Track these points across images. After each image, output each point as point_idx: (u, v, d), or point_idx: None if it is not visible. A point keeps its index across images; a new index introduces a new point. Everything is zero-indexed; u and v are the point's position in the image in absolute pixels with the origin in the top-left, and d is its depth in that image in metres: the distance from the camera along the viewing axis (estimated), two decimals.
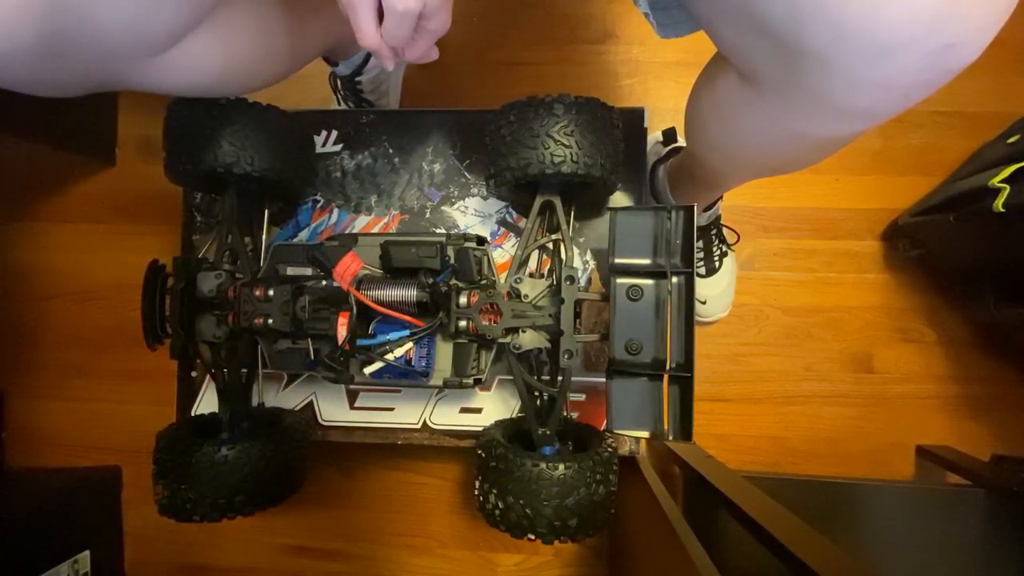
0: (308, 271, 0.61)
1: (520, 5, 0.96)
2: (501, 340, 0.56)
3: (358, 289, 0.58)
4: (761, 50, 0.39)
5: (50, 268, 1.00)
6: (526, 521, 0.52)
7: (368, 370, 0.60)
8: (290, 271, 0.62)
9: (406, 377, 0.60)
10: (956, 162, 0.87)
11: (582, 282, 0.68)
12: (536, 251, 0.63)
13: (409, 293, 0.58)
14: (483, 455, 0.56)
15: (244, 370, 0.65)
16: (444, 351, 0.60)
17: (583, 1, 0.96)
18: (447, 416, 0.70)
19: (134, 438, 0.96)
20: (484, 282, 0.59)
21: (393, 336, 0.58)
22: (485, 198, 0.71)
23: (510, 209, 0.70)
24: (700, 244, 0.85)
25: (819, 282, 0.91)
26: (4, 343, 0.99)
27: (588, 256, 0.69)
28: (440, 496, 0.93)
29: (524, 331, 0.57)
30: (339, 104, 0.88)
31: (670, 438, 0.55)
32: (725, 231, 0.86)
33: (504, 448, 0.54)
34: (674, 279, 0.55)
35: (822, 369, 0.90)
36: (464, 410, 0.70)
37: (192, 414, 0.71)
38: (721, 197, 0.79)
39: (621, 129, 0.59)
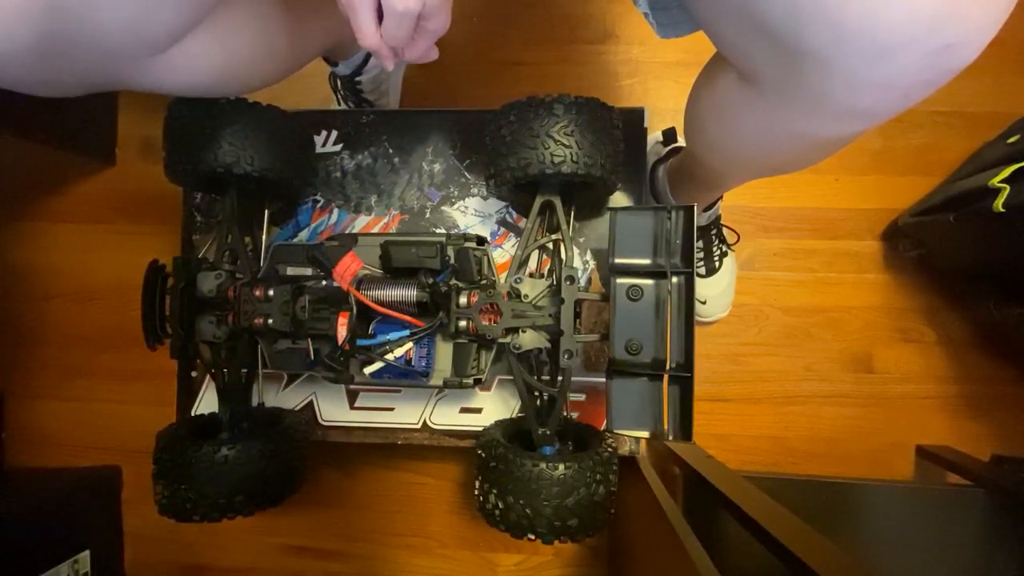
0: (308, 271, 0.61)
1: (520, 5, 0.96)
2: (501, 340, 0.56)
3: (358, 289, 0.58)
4: (761, 50, 0.39)
5: (50, 268, 1.00)
6: (526, 521, 0.52)
7: (368, 370, 0.60)
8: (290, 271, 0.62)
9: (406, 377, 0.60)
10: (956, 162, 0.87)
11: (582, 282, 0.68)
12: (536, 251, 0.63)
13: (409, 293, 0.58)
14: (483, 455, 0.56)
15: (244, 370, 0.65)
16: (444, 351, 0.60)
17: (583, 1, 0.96)
18: (447, 416, 0.70)
19: (134, 438, 0.96)
20: (484, 282, 0.59)
21: (393, 336, 0.58)
22: (485, 198, 0.71)
23: (510, 209, 0.70)
24: (700, 244, 0.85)
25: (819, 282, 0.91)
26: (4, 343, 0.99)
27: (588, 256, 0.69)
28: (440, 496, 0.93)
29: (524, 331, 0.57)
30: (339, 104, 0.88)
31: (670, 438, 0.55)
32: (725, 231, 0.86)
33: (504, 448, 0.54)
34: (674, 279, 0.55)
35: (822, 369, 0.90)
36: (464, 410, 0.70)
37: (192, 414, 0.71)
38: (721, 197, 0.79)
39: (621, 129, 0.59)
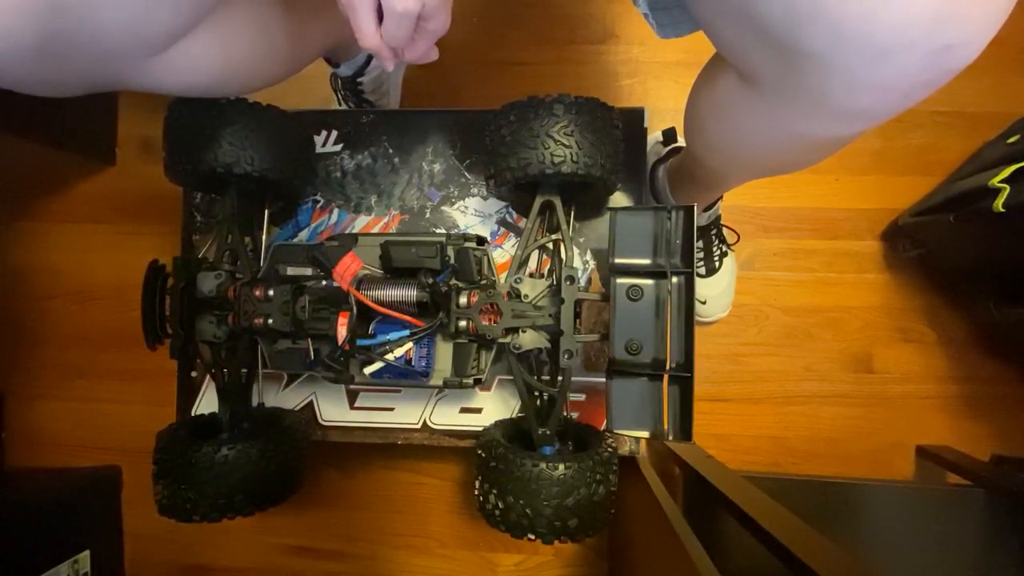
0: (308, 271, 0.61)
1: (520, 5, 0.96)
2: (501, 340, 0.56)
3: (358, 289, 0.58)
4: (760, 51, 0.39)
5: (50, 268, 1.00)
6: (526, 521, 0.52)
7: (368, 370, 0.60)
8: (290, 271, 0.62)
9: (406, 377, 0.60)
10: (956, 162, 0.87)
11: (582, 282, 0.68)
12: (536, 251, 0.63)
13: (409, 293, 0.58)
14: (483, 455, 0.56)
15: (244, 370, 0.65)
16: (444, 351, 0.60)
17: (583, 1, 0.96)
18: (447, 416, 0.70)
19: (134, 438, 0.96)
20: (484, 282, 0.59)
21: (393, 336, 0.58)
22: (485, 198, 0.71)
23: (510, 209, 0.70)
24: (700, 244, 0.85)
25: (819, 282, 0.91)
26: (4, 343, 0.99)
27: (588, 256, 0.69)
28: (440, 496, 0.93)
29: (524, 331, 0.57)
30: (340, 104, 0.88)
31: (670, 438, 0.55)
32: (725, 231, 0.86)
33: (504, 448, 0.54)
34: (674, 279, 0.55)
35: (822, 369, 0.90)
36: (464, 410, 0.70)
37: (192, 414, 0.71)
38: (721, 197, 0.79)
39: (621, 129, 0.59)
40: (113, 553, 0.95)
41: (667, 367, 0.54)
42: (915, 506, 0.77)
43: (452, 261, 0.58)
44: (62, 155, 0.96)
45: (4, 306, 0.99)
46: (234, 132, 0.57)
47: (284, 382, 0.72)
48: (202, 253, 0.71)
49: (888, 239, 0.90)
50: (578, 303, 0.56)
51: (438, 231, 0.71)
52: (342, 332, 0.56)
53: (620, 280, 0.56)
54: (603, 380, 0.61)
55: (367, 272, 0.60)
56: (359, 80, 0.81)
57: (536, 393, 0.61)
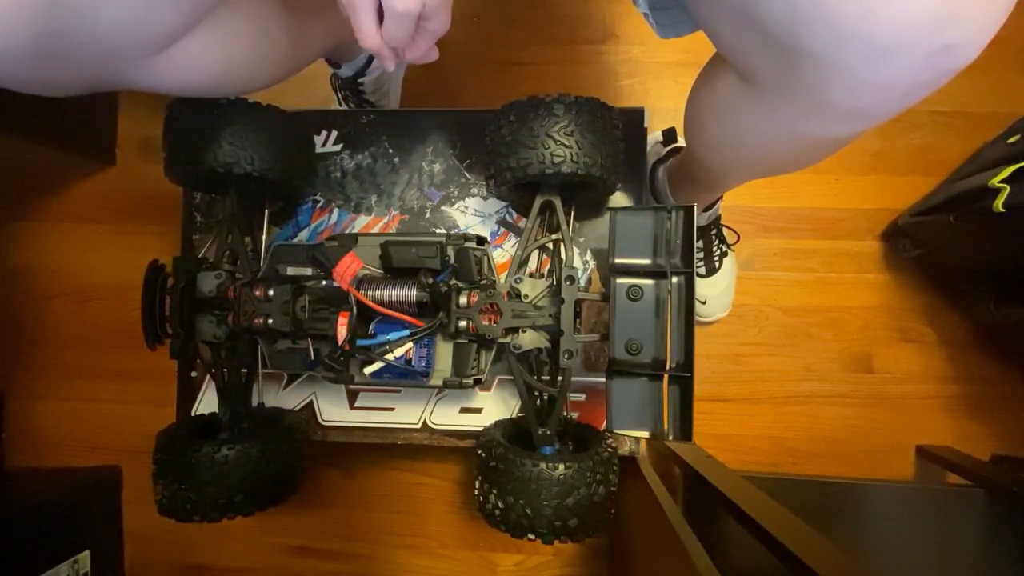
0: (308, 271, 0.61)
1: (520, 5, 0.96)
2: (501, 340, 0.56)
3: (358, 289, 0.58)
4: (760, 51, 0.39)
5: (50, 268, 1.00)
6: (526, 521, 0.52)
7: (368, 370, 0.60)
8: (290, 271, 0.62)
9: (406, 377, 0.60)
10: (956, 162, 0.87)
11: (582, 282, 0.68)
12: (536, 251, 0.63)
13: (409, 293, 0.58)
14: (483, 455, 0.56)
15: (244, 370, 0.65)
16: (444, 351, 0.60)
17: (583, 1, 0.96)
18: (447, 416, 0.70)
19: (134, 438, 0.95)
20: (484, 282, 0.59)
21: (393, 336, 0.58)
22: (485, 198, 0.71)
23: (510, 209, 0.70)
24: (700, 244, 0.85)
25: (819, 282, 0.91)
26: (4, 343, 0.99)
27: (588, 256, 0.69)
28: (440, 496, 0.93)
29: (524, 331, 0.57)
30: (340, 104, 0.88)
31: (670, 438, 0.55)
32: (725, 231, 0.86)
33: (504, 448, 0.54)
34: (674, 279, 0.55)
35: (822, 369, 0.90)
36: (464, 410, 0.70)
37: (192, 414, 0.71)
38: (721, 197, 0.79)
39: (621, 129, 0.59)
40: (113, 553, 0.95)
41: (667, 367, 0.54)
42: (915, 506, 0.77)
43: (452, 261, 0.58)
44: (62, 155, 0.97)
45: (4, 306, 0.99)
46: (234, 132, 0.57)
47: (284, 382, 0.72)
48: (202, 253, 0.71)
49: (888, 239, 0.90)
50: (578, 303, 0.56)
51: (438, 231, 0.71)
52: (342, 332, 0.56)
53: (620, 280, 0.56)
54: (603, 380, 0.61)
55: (367, 272, 0.60)
56: (360, 81, 0.81)
57: (536, 393, 0.61)
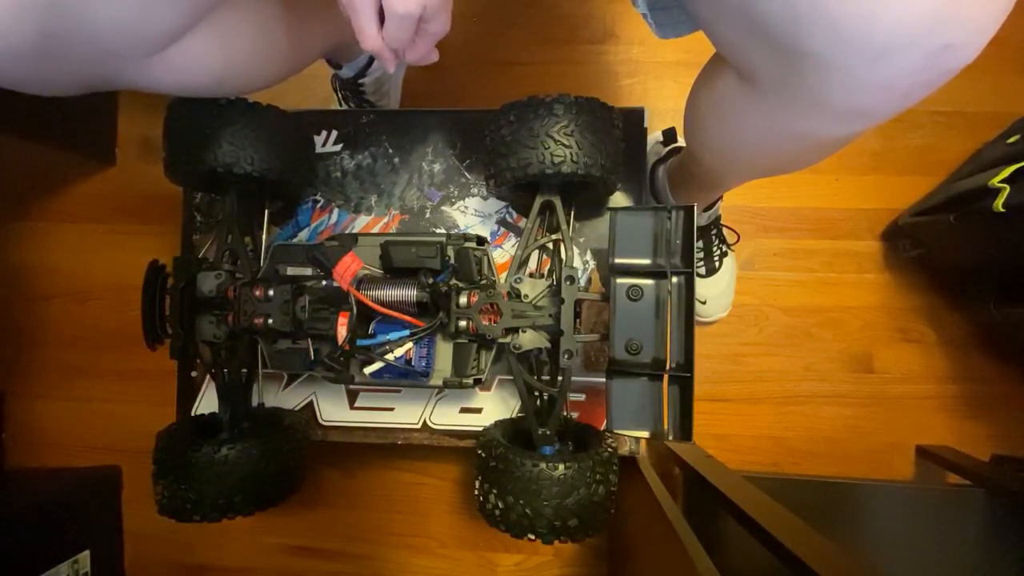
0: (308, 271, 0.61)
1: (520, 5, 0.96)
2: (501, 340, 0.56)
3: (358, 289, 0.58)
4: (760, 51, 0.39)
5: (50, 268, 1.00)
6: (526, 521, 0.52)
7: (368, 370, 0.60)
8: (290, 271, 0.62)
9: (406, 377, 0.60)
10: (956, 162, 0.87)
11: (582, 282, 0.68)
12: (536, 251, 0.63)
13: (409, 293, 0.58)
14: (483, 455, 0.56)
15: (244, 370, 0.65)
16: (444, 351, 0.60)
17: (583, 1, 0.96)
18: (447, 416, 0.70)
19: (134, 438, 0.96)
20: (484, 282, 0.59)
21: (393, 336, 0.58)
22: (485, 198, 0.71)
23: (510, 209, 0.70)
24: (700, 244, 0.85)
25: (819, 282, 0.91)
26: (4, 343, 0.99)
27: (588, 256, 0.69)
28: (440, 496, 0.93)
29: (524, 331, 0.57)
30: (340, 104, 0.88)
31: (670, 438, 0.55)
32: (725, 231, 0.86)
33: (504, 448, 0.54)
34: (674, 279, 0.55)
35: (822, 369, 0.90)
36: (464, 410, 0.70)
37: (192, 414, 0.71)
38: (721, 197, 0.79)
39: (621, 129, 0.59)
40: (113, 553, 0.95)
41: (667, 367, 0.54)
42: (915, 506, 0.77)
43: (452, 261, 0.58)
44: (62, 155, 0.97)
45: (4, 306, 0.99)
46: (234, 132, 0.57)
47: (284, 382, 0.72)
48: (202, 253, 0.71)
49: (888, 239, 0.90)
50: (578, 303, 0.56)
51: (438, 231, 0.71)
52: (342, 332, 0.56)
53: (620, 280, 0.56)
54: (603, 380, 0.61)
55: (367, 272, 0.60)
56: (361, 81, 0.81)
57: (536, 393, 0.61)
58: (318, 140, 0.73)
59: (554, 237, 0.60)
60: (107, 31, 0.39)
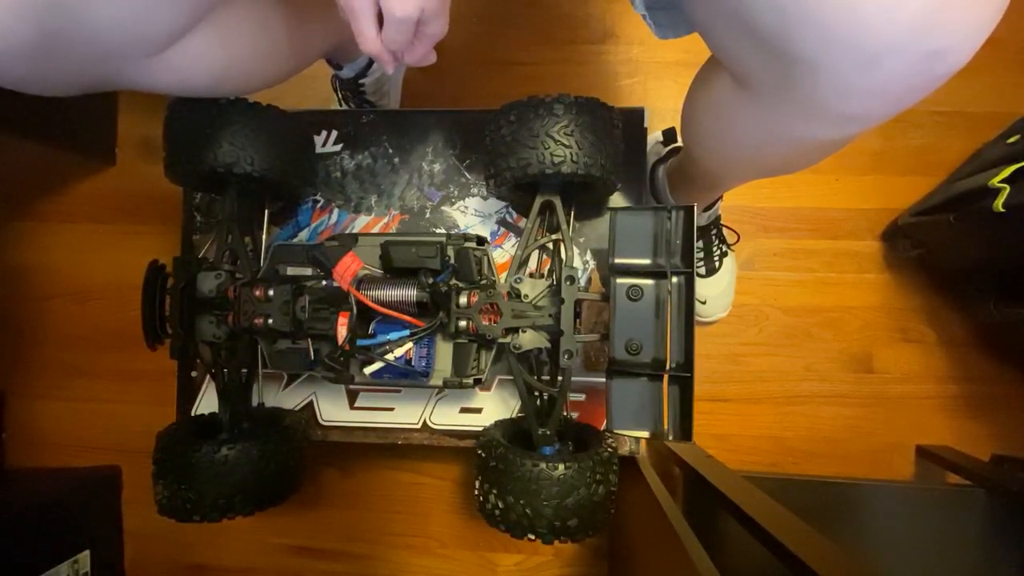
0: (308, 271, 0.61)
1: (520, 5, 0.96)
2: (501, 340, 0.56)
3: (358, 289, 0.58)
4: (753, 55, 0.39)
5: (50, 268, 1.00)
6: (526, 521, 0.52)
7: (368, 370, 0.60)
8: (290, 271, 0.62)
9: (406, 377, 0.60)
10: (956, 162, 0.87)
11: (582, 282, 0.68)
12: (536, 251, 0.63)
13: (409, 293, 0.58)
14: (483, 455, 0.56)
15: (244, 370, 0.65)
16: (444, 351, 0.60)
17: (583, 1, 0.96)
18: (447, 416, 0.70)
19: (134, 438, 0.96)
20: (484, 282, 0.59)
21: (393, 336, 0.58)
22: (485, 198, 0.71)
23: (510, 209, 0.70)
24: (700, 244, 0.85)
25: (819, 282, 0.91)
26: (4, 343, 0.99)
27: (588, 256, 0.69)
28: (440, 496, 0.93)
29: (524, 331, 0.57)
30: (340, 104, 0.88)
31: (670, 438, 0.55)
32: (725, 231, 0.86)
33: (504, 448, 0.54)
34: (674, 279, 0.55)
35: (822, 369, 0.90)
36: (464, 410, 0.70)
37: (192, 414, 0.71)
38: (721, 197, 0.79)
39: (621, 129, 0.59)
40: (113, 553, 0.95)
41: (667, 367, 0.54)
42: (915, 506, 0.77)
43: (452, 261, 0.58)
44: (62, 155, 0.96)
45: (4, 306, 0.99)
46: (234, 132, 0.57)
47: (284, 382, 0.72)
48: (202, 253, 0.71)
49: (888, 239, 0.90)
50: (578, 303, 0.56)
51: (438, 231, 0.71)
52: (342, 332, 0.56)
53: (620, 280, 0.56)
54: (603, 380, 0.61)
55: (367, 272, 0.60)
56: (361, 82, 0.81)
57: (536, 393, 0.61)
58: (318, 140, 0.73)
59: (554, 237, 0.60)
60: (107, 31, 0.39)
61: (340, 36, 0.67)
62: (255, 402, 0.68)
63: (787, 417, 0.90)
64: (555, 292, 0.57)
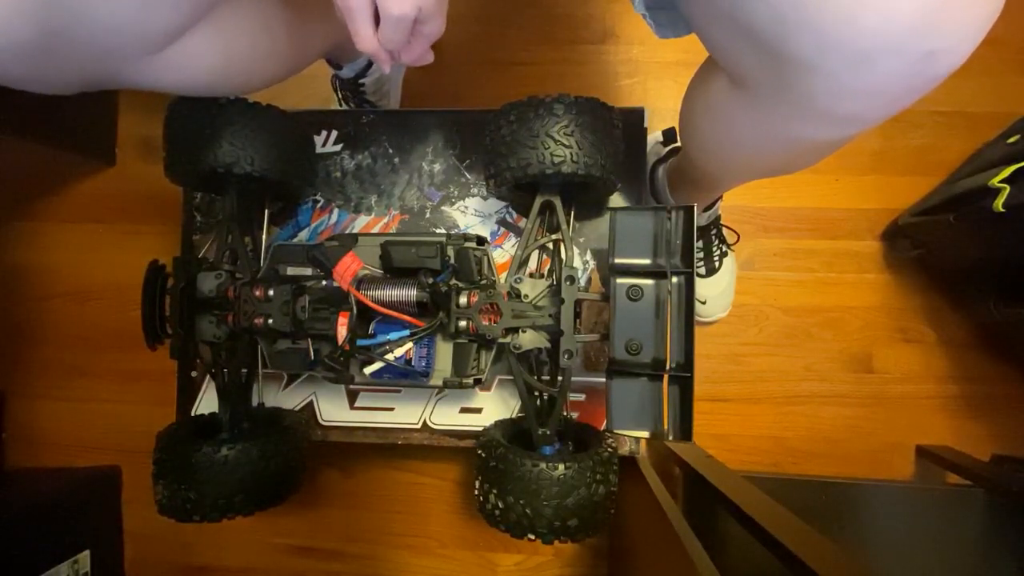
0: (308, 271, 0.61)
1: (520, 5, 0.96)
2: (501, 340, 0.56)
3: (358, 289, 0.58)
4: (750, 56, 0.39)
5: (50, 268, 1.00)
6: (526, 521, 0.52)
7: (368, 370, 0.60)
8: (290, 271, 0.62)
9: (406, 377, 0.60)
10: (956, 162, 0.87)
11: (582, 282, 0.68)
12: (536, 251, 0.63)
13: (409, 293, 0.58)
14: (483, 455, 0.56)
15: (244, 370, 0.65)
16: (444, 351, 0.60)
17: (583, 1, 0.96)
18: (447, 416, 0.70)
19: (134, 438, 0.96)
20: (484, 282, 0.59)
21: (393, 336, 0.58)
22: (485, 198, 0.71)
23: (510, 209, 0.70)
24: (700, 244, 0.85)
25: (819, 282, 0.91)
26: (4, 343, 0.99)
27: (588, 256, 0.69)
28: (440, 496, 0.93)
29: (524, 331, 0.57)
30: (340, 104, 0.88)
31: (670, 438, 0.55)
32: (725, 231, 0.86)
33: (504, 448, 0.54)
34: (674, 279, 0.55)
35: (822, 369, 0.90)
36: (464, 410, 0.70)
37: (192, 414, 0.71)
38: (721, 197, 0.79)
39: (621, 129, 0.59)
40: (113, 553, 0.95)
41: (667, 367, 0.54)
42: (915, 506, 0.77)
43: (452, 261, 0.58)
44: (62, 155, 0.97)
45: (4, 306, 0.99)
46: (234, 132, 0.57)
47: (284, 382, 0.72)
48: (202, 253, 0.71)
49: (888, 239, 0.90)
50: (578, 303, 0.56)
51: (438, 231, 0.71)
52: (342, 332, 0.56)
53: (620, 280, 0.56)
54: (603, 380, 0.61)
55: (367, 272, 0.60)
56: (361, 82, 0.81)
57: (536, 393, 0.61)
58: (318, 140, 0.73)
59: (554, 237, 0.60)
60: (107, 29, 0.39)
61: (340, 36, 0.67)
62: (255, 402, 0.68)
63: (787, 417, 0.90)
64: (555, 292, 0.57)
